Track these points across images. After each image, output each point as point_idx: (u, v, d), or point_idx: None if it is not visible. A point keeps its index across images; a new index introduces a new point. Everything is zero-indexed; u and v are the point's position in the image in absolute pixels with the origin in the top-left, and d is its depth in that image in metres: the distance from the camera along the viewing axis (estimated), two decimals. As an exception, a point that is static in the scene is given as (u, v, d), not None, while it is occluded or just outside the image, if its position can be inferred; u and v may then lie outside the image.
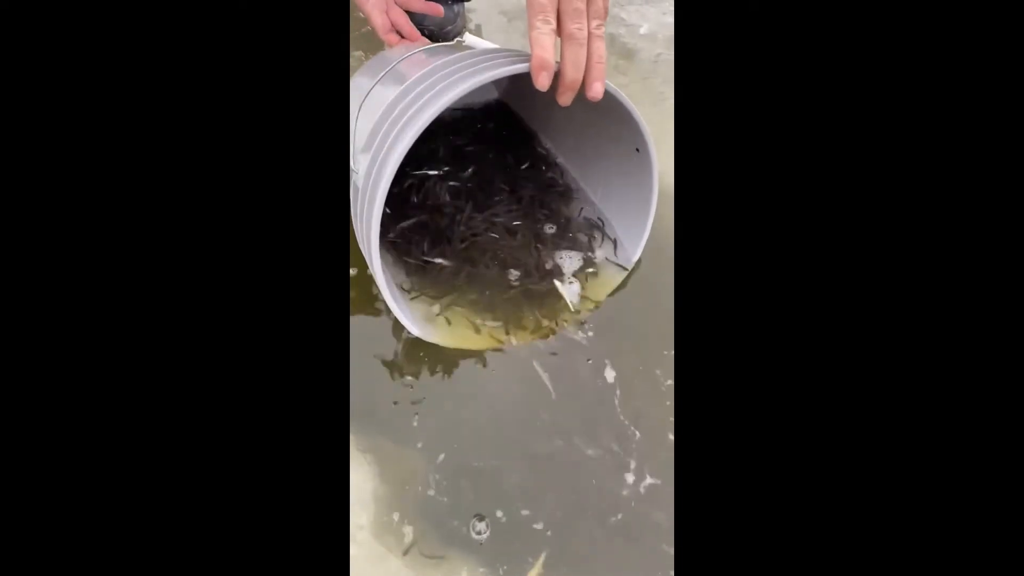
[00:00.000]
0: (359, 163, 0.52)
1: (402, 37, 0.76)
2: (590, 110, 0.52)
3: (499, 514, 0.51)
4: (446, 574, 0.48)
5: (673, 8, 1.01)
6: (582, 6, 0.46)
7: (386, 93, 0.54)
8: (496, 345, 0.59)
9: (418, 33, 0.77)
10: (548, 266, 0.62)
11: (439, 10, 0.81)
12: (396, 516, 0.51)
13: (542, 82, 0.47)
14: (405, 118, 0.48)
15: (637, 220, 0.62)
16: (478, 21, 1.00)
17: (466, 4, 0.97)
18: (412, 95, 0.49)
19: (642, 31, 0.97)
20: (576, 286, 0.62)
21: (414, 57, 0.61)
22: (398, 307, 0.54)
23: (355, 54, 0.91)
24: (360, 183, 0.52)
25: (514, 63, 0.48)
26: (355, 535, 0.50)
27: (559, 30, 0.47)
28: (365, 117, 0.55)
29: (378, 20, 0.74)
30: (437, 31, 0.93)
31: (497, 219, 0.64)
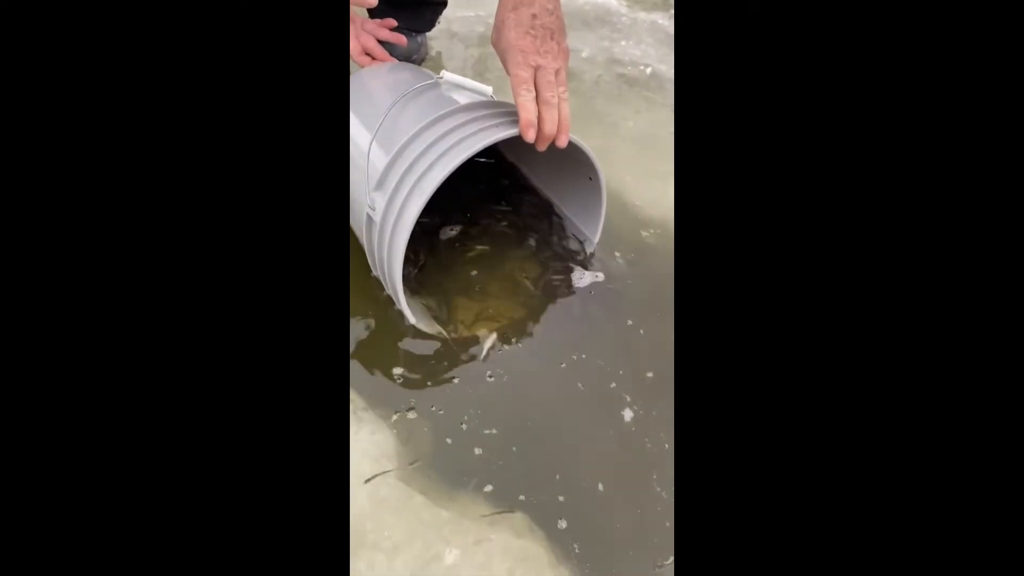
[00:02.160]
0: (375, 201, 0.64)
1: (373, 59, 0.86)
2: (556, 150, 0.65)
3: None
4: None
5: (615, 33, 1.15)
6: (553, 79, 0.61)
7: (398, 129, 0.65)
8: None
9: (388, 54, 0.86)
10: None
11: (403, 40, 0.91)
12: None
13: (530, 137, 0.60)
14: (419, 171, 0.60)
15: (592, 220, 0.80)
16: (439, 48, 1.10)
17: (427, 34, 1.07)
18: (425, 146, 0.61)
19: (584, 55, 1.10)
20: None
21: (414, 92, 0.71)
22: (411, 315, 0.67)
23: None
24: (377, 219, 0.63)
25: (509, 125, 0.61)
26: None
27: (536, 97, 0.60)
28: (378, 148, 0.65)
29: (349, 45, 0.84)
30: (403, 59, 1.03)
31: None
